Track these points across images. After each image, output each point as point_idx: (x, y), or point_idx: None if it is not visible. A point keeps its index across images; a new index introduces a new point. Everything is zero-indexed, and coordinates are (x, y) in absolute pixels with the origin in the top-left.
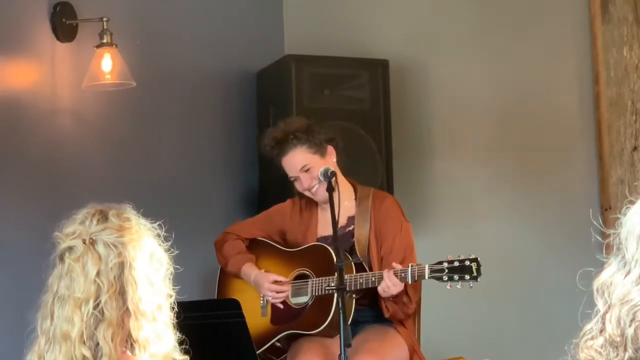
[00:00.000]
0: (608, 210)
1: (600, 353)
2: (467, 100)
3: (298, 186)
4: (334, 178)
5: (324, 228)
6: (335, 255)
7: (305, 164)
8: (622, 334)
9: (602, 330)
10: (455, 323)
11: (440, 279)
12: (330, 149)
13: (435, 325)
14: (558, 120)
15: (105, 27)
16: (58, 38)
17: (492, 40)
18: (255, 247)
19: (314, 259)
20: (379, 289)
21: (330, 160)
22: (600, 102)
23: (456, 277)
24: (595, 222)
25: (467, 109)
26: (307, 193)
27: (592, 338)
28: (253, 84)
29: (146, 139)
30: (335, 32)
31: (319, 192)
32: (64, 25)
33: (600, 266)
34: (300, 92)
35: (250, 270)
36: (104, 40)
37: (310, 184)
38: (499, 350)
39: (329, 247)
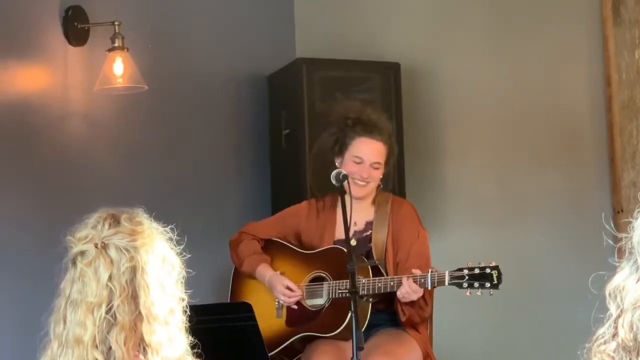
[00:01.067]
0: (620, 213)
1: (613, 358)
2: (479, 103)
3: (356, 169)
4: (345, 181)
5: (342, 231)
6: (348, 259)
7: (379, 161)
8: (635, 339)
9: (614, 335)
10: (467, 328)
11: (460, 285)
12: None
13: (449, 330)
14: (570, 123)
15: (116, 30)
16: (70, 42)
17: (504, 43)
18: (271, 248)
19: (331, 262)
20: (399, 294)
21: (380, 175)
22: (612, 104)
23: (476, 284)
24: (607, 226)
25: (479, 112)
26: (356, 180)
27: (604, 342)
28: (264, 87)
29: (158, 142)
30: (347, 35)
31: (366, 189)
32: (76, 29)
33: (613, 270)
34: (311, 96)
35: (265, 272)
36: (116, 44)
37: (367, 177)
38: (511, 354)
39: (345, 250)
